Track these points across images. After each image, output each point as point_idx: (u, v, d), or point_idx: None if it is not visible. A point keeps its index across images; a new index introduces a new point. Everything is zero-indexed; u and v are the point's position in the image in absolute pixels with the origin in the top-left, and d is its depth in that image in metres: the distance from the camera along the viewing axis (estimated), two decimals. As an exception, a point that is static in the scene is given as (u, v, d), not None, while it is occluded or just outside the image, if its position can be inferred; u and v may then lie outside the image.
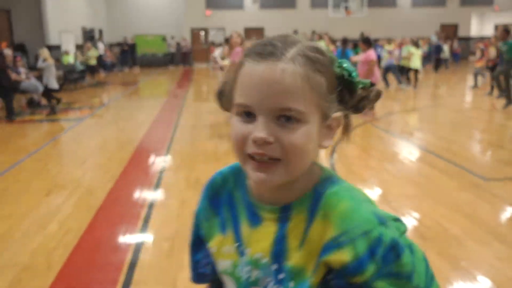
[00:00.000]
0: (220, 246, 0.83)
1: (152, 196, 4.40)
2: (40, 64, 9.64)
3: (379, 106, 8.94)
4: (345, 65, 0.76)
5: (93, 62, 16.77)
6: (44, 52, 9.64)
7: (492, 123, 8.13)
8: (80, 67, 14.92)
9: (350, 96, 0.78)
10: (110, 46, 22.37)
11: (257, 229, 0.78)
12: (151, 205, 4.15)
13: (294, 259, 0.75)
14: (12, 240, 3.49)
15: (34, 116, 9.38)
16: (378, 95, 0.81)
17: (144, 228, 3.66)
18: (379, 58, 11.77)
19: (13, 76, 9.16)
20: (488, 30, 24.94)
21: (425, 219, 3.69)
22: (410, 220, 3.66)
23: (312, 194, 0.76)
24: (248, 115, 0.72)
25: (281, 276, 0.76)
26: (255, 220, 0.79)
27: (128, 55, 22.22)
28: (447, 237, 3.35)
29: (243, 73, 0.73)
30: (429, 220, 3.66)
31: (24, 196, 4.50)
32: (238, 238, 0.81)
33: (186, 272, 2.90)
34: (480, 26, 25.92)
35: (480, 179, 4.70)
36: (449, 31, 23.85)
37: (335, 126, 0.78)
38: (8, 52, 9.61)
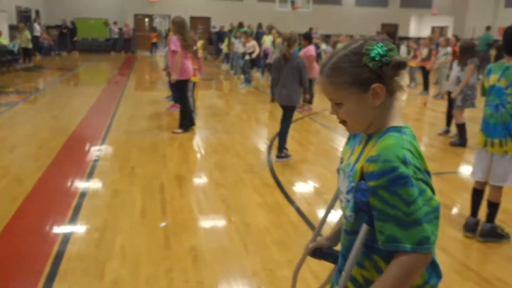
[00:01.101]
0: (345, 154, 1.37)
1: (84, 186, 4.29)
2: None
3: (317, 101, 9.18)
4: (372, 55, 1.16)
5: (28, 44, 15.92)
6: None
7: (423, 121, 8.58)
8: (14, 49, 14.12)
9: (381, 71, 1.17)
10: (48, 28, 21.30)
11: (359, 146, 1.30)
12: (82, 195, 4.05)
13: (359, 164, 1.23)
14: None
15: (-40, 100, 8.81)
16: (397, 64, 1.18)
17: (73, 218, 3.58)
18: (319, 56, 12.04)
19: None
20: (425, 32, 26.14)
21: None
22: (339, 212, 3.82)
23: (383, 132, 1.21)
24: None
25: (350, 172, 1.26)
26: (359, 141, 1.31)
27: (67, 39, 21.25)
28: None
29: None
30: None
31: None
32: (352, 151, 1.34)
33: (115, 261, 2.89)
34: (419, 27, 27.11)
35: (406, 173, 4.96)
36: (390, 30, 24.80)
37: (378, 92, 1.19)
38: None
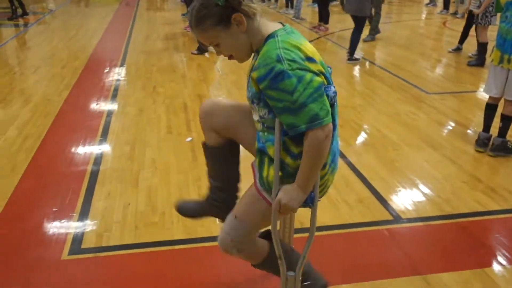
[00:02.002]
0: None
1: (110, 105, 4.48)
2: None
3: (334, 21, 9.01)
4: None
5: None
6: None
7: (441, 41, 8.45)
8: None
9: (230, 4, 1.36)
10: None
11: (252, 61, 1.49)
12: (109, 113, 4.24)
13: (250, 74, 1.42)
14: (-28, 144, 3.54)
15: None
16: None
17: (104, 134, 3.79)
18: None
19: None
20: None
21: (367, 127, 4.03)
22: (353, 128, 3.98)
23: (262, 44, 1.41)
24: None
25: (249, 84, 1.46)
26: (255, 58, 1.47)
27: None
28: (385, 142, 3.70)
29: None
30: (371, 128, 4.00)
31: (-23, 102, 4.46)
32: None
33: (147, 171, 3.13)
34: None
35: (422, 92, 5.06)
36: None
37: (238, 19, 1.38)
38: None
